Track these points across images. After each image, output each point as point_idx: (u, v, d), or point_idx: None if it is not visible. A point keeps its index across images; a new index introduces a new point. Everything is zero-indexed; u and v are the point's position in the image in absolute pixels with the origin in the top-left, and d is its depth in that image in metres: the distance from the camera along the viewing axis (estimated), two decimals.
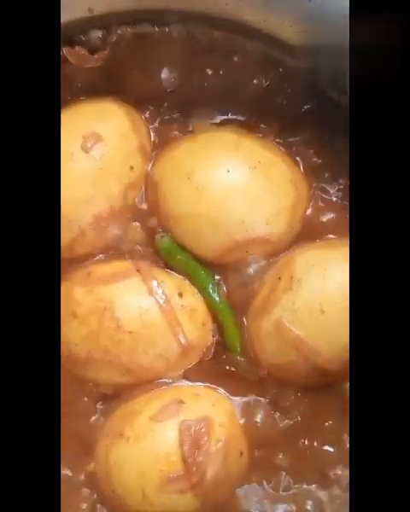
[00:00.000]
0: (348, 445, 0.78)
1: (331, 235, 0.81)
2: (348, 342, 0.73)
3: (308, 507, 0.79)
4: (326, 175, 0.82)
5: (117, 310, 0.76)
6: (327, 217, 0.82)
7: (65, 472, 0.78)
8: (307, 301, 0.75)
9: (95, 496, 0.78)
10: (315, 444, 0.79)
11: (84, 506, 0.78)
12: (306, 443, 0.79)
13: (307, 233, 0.81)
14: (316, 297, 0.75)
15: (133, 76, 0.82)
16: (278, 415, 0.79)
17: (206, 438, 0.74)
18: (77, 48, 0.79)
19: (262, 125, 0.83)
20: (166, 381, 0.79)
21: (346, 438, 0.78)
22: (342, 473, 0.78)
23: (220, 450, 0.75)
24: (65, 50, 0.78)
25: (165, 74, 0.81)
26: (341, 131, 0.75)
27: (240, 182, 0.78)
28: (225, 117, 0.84)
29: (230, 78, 0.82)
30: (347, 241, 0.77)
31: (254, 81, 0.82)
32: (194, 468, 0.73)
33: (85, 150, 0.77)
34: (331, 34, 0.73)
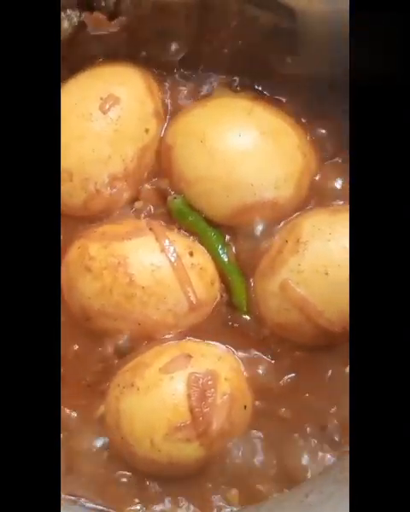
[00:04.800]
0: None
1: (339, 201, 0.84)
2: None
3: (304, 462, 0.83)
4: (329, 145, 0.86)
5: (130, 266, 0.79)
6: (335, 183, 0.85)
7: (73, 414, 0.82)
8: (312, 263, 0.79)
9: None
10: (315, 399, 0.83)
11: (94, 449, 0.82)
12: (306, 397, 0.83)
13: (316, 198, 0.84)
14: (321, 259, 0.79)
15: (150, 43, 0.84)
16: (279, 372, 0.83)
17: (212, 390, 0.77)
18: (95, 13, 0.81)
19: (276, 97, 0.86)
20: (175, 336, 0.82)
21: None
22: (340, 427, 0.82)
23: (226, 402, 0.78)
24: (84, 15, 0.81)
25: (176, 44, 0.84)
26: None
27: (250, 146, 0.81)
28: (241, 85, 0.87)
29: (245, 49, 0.84)
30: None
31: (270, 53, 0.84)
32: (200, 418, 0.76)
33: (103, 111, 0.80)
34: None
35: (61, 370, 0.80)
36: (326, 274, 0.78)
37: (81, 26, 0.82)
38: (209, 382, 0.78)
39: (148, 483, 0.81)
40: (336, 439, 0.82)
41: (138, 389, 0.79)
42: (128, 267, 0.79)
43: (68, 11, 0.81)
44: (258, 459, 0.81)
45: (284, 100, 0.86)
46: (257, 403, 0.82)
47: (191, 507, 0.81)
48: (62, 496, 0.80)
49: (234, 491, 0.81)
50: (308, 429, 0.82)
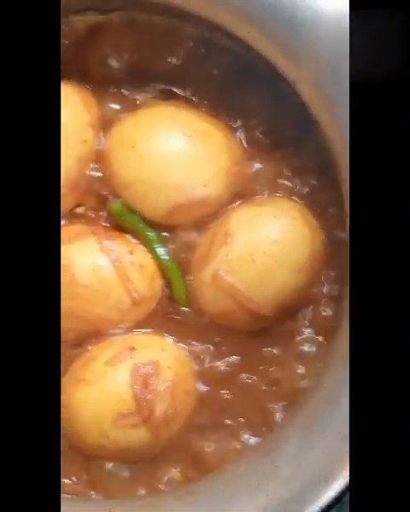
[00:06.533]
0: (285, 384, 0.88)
1: (263, 195, 0.90)
2: (277, 288, 0.84)
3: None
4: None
5: (73, 267, 0.85)
6: (262, 179, 0.90)
7: None
8: (239, 253, 0.84)
9: None
10: (256, 382, 0.88)
11: None
12: (247, 381, 0.88)
13: (244, 194, 0.90)
14: (247, 248, 0.84)
15: (85, 59, 0.92)
16: (220, 357, 0.88)
17: (154, 378, 0.83)
18: None
19: (198, 99, 0.91)
20: (120, 330, 0.88)
21: (283, 375, 0.87)
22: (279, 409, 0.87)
23: (168, 389, 0.83)
24: None
25: (109, 59, 0.91)
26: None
27: (178, 149, 0.87)
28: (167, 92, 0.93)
29: (170, 59, 0.91)
30: (274, 199, 0.88)
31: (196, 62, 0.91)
32: (144, 404, 0.82)
33: None
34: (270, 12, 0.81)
35: None
36: (253, 261, 0.84)
37: None
38: (151, 371, 0.83)
39: (103, 471, 0.87)
40: (277, 418, 0.87)
41: (86, 382, 0.84)
42: (71, 268, 0.85)
43: None
44: (201, 441, 0.87)
45: (210, 103, 0.91)
46: (201, 388, 0.87)
47: (143, 490, 0.86)
48: None
49: (178, 470, 0.86)
50: (248, 410, 0.87)
